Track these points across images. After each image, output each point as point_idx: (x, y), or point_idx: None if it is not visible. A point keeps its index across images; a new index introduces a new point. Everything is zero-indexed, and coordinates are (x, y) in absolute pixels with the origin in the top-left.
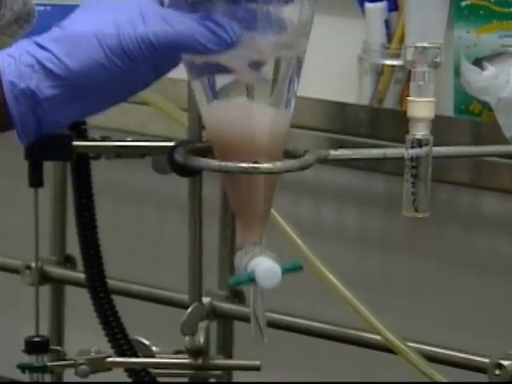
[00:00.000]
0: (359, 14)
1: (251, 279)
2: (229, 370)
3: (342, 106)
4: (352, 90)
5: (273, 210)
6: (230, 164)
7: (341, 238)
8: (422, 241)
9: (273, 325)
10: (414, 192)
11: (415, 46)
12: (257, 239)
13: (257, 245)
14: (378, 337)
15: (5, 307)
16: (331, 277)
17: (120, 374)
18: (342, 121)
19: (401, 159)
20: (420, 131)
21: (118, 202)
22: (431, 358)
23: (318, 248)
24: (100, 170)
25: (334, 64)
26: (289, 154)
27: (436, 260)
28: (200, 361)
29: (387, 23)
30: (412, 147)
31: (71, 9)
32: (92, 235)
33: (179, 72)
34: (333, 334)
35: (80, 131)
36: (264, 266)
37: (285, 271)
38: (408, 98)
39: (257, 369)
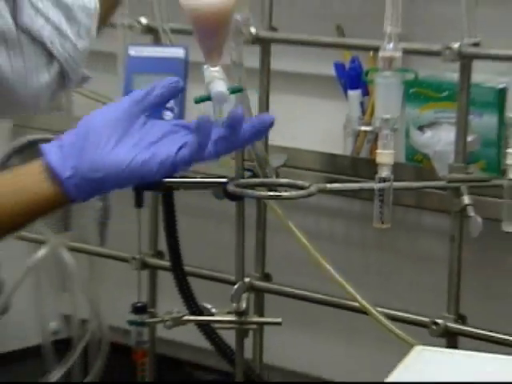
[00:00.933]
0: (344, 98)
1: (209, 98)
2: (261, 324)
3: (332, 156)
4: (339, 146)
5: (290, 223)
6: (263, 193)
7: (332, 241)
8: (385, 243)
9: (290, 295)
10: (380, 211)
11: (381, 118)
12: (214, 62)
13: (215, 67)
14: (356, 304)
15: (119, 285)
16: (326, 265)
17: (192, 328)
18: (333, 165)
19: (372, 190)
20: (384, 172)
21: (191, 217)
22: (393, 318)
23: (317, 247)
24: (179, 195)
25: (327, 129)
26: (298, 187)
27: (395, 255)
28: (243, 318)
29: (362, 103)
30: (379, 182)
31: (172, 62)
32: (174, 237)
33: None
34: (329, 302)
35: None
36: (217, 91)
37: (231, 92)
38: (377, 150)
39: (278, 324)
